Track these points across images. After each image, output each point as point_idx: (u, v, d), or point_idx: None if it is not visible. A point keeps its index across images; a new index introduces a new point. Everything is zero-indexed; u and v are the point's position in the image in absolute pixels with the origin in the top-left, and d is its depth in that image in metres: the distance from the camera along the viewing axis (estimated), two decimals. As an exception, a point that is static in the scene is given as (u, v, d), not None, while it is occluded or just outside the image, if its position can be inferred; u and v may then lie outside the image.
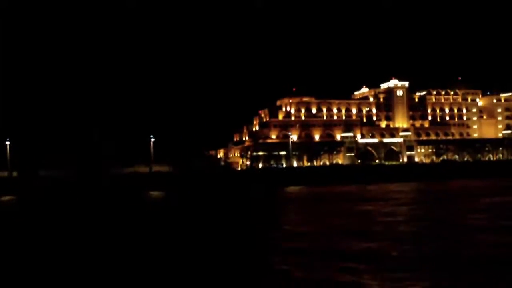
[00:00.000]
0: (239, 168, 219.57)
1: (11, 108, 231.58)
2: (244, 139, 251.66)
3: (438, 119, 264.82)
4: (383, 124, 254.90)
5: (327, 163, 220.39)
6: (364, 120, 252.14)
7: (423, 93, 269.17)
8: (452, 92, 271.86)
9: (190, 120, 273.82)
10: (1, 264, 49.12)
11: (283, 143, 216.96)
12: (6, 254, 55.00)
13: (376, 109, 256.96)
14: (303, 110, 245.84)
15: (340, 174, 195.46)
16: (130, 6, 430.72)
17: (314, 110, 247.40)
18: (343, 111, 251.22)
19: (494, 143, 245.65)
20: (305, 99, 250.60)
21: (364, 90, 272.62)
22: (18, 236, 69.35)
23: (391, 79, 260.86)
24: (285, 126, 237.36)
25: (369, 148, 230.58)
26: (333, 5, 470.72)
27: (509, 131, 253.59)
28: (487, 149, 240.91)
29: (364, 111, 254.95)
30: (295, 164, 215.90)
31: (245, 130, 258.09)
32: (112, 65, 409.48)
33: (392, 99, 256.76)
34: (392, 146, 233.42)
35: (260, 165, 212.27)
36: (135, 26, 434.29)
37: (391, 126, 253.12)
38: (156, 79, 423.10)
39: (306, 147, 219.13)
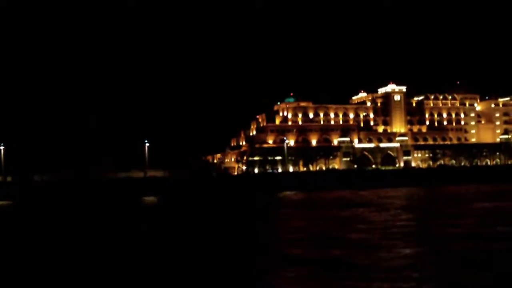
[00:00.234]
0: (235, 173, 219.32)
1: (4, 112, 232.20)
2: (241, 143, 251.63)
3: (436, 124, 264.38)
4: (380, 129, 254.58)
5: (324, 168, 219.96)
6: (362, 125, 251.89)
7: (421, 97, 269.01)
8: (450, 97, 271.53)
9: (187, 125, 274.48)
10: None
11: (279, 148, 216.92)
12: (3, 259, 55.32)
13: (374, 114, 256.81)
14: (300, 115, 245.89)
15: (336, 179, 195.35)
16: (124, 11, 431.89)
17: (311, 115, 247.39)
18: (340, 116, 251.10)
19: (491, 148, 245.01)
20: (302, 104, 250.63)
21: (362, 94, 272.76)
22: (15, 242, 69.64)
23: (389, 83, 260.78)
24: (282, 131, 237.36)
25: (366, 153, 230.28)
26: (331, 10, 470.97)
27: (506, 136, 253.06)
28: (484, 154, 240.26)
29: (361, 116, 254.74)
30: (291, 169, 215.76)
31: (242, 135, 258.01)
32: (108, 69, 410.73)
33: (390, 104, 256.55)
34: (388, 151, 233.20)
35: (256, 170, 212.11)
36: (132, 28, 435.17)
37: (389, 131, 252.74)
38: (153, 84, 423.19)
39: (302, 152, 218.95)
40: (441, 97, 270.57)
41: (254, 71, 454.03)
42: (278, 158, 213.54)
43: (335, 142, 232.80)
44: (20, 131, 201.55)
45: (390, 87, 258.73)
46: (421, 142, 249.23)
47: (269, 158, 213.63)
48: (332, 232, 67.92)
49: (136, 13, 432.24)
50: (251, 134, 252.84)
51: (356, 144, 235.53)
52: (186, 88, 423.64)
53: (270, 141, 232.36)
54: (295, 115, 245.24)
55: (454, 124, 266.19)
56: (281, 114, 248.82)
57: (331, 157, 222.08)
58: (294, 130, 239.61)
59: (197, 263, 49.88)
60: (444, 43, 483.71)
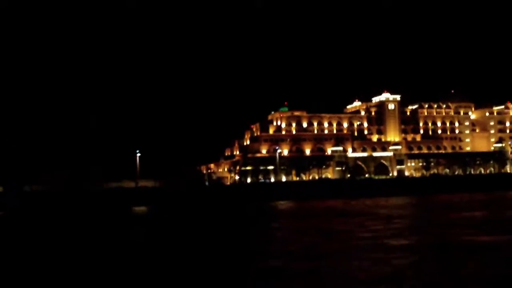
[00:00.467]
0: (228, 183, 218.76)
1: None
2: (235, 153, 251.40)
3: (430, 133, 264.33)
4: (374, 138, 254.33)
5: (317, 177, 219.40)
6: (356, 134, 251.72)
7: (415, 106, 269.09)
8: (444, 106, 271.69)
9: (181, 135, 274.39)
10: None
11: (272, 157, 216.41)
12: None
13: (368, 123, 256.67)
14: (294, 124, 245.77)
15: (328, 189, 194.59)
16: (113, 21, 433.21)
17: (305, 124, 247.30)
18: (334, 125, 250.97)
19: (485, 157, 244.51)
20: (296, 113, 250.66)
21: (357, 103, 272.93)
22: (9, 252, 69.46)
23: (383, 92, 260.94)
24: (276, 140, 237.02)
25: (359, 162, 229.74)
26: (325, 20, 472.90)
27: (500, 144, 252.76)
28: (478, 162, 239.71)
29: (355, 125, 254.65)
30: (284, 178, 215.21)
31: (236, 144, 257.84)
32: (101, 79, 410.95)
33: (384, 113, 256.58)
34: (382, 160, 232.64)
35: (249, 180, 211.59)
36: (127, 34, 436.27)
37: (383, 140, 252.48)
38: (147, 94, 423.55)
39: (295, 162, 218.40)
40: (435, 106, 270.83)
41: (249, 80, 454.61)
42: (271, 167, 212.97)
43: (329, 151, 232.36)
44: (11, 141, 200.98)
45: (384, 96, 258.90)
46: (415, 151, 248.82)
47: (262, 167, 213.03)
48: (313, 244, 67.41)
49: (127, 24, 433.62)
50: (245, 143, 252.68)
51: (350, 153, 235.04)
52: (181, 98, 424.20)
53: (264, 151, 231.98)
54: (289, 125, 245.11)
55: (448, 132, 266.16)
56: (274, 123, 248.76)
57: (324, 166, 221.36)
58: (288, 140, 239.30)
59: (178, 274, 49.54)
60: (439, 52, 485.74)
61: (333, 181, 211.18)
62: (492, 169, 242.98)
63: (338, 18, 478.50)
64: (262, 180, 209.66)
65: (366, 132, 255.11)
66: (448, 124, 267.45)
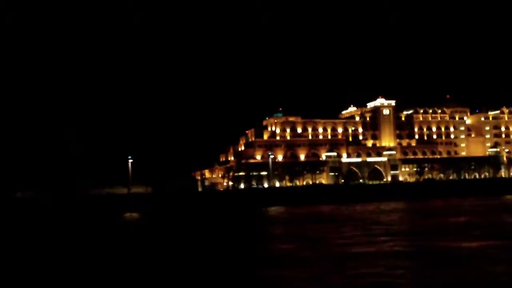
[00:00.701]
0: (221, 189, 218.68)
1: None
2: (229, 159, 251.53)
3: (425, 138, 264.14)
4: (369, 143, 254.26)
5: (310, 182, 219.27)
6: (350, 139, 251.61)
7: (410, 111, 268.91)
8: (439, 111, 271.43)
9: (177, 141, 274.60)
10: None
11: (265, 163, 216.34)
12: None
13: (362, 128, 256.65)
14: (288, 130, 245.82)
15: (321, 194, 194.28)
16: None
17: (299, 130, 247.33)
18: (329, 130, 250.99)
19: (479, 161, 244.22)
20: (291, 118, 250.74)
21: (352, 109, 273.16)
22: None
23: (378, 97, 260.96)
24: (270, 146, 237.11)
25: (353, 168, 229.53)
26: (320, 26, 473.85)
27: (495, 149, 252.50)
28: (472, 167, 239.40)
29: (350, 131, 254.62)
30: (277, 184, 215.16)
31: (231, 150, 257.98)
32: (95, 86, 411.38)
33: (379, 118, 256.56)
34: (376, 165, 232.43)
35: (242, 186, 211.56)
36: (121, 42, 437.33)
37: (378, 145, 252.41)
38: (142, 101, 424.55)
39: (289, 167, 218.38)
40: (431, 111, 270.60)
41: (245, 86, 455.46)
42: (264, 173, 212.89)
43: (324, 157, 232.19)
44: (4, 147, 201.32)
45: (379, 101, 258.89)
46: (411, 156, 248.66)
47: (255, 173, 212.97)
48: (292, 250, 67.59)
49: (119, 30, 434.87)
50: (239, 149, 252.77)
51: (345, 158, 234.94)
52: (177, 105, 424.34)
53: (258, 157, 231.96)
54: (283, 130, 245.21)
55: (443, 137, 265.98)
56: (269, 129, 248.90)
57: (317, 172, 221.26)
58: (282, 145, 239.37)
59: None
60: (434, 57, 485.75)
61: (327, 186, 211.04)
62: (487, 173, 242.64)
63: (333, 24, 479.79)
64: (255, 186, 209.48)
65: (361, 137, 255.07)
66: (443, 129, 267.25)
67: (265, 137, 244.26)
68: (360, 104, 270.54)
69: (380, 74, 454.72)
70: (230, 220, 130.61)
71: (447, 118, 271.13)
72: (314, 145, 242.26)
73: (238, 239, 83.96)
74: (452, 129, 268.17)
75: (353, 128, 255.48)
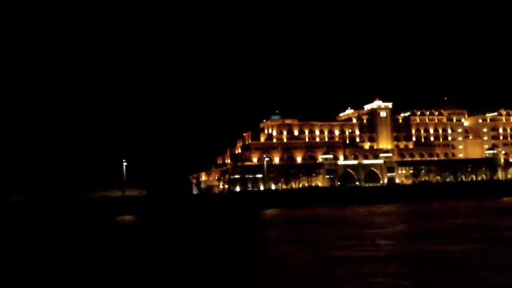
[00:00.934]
0: (217, 191, 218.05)
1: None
2: (226, 161, 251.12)
3: (423, 140, 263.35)
4: (366, 145, 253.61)
5: (306, 185, 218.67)
6: (347, 141, 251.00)
7: (407, 113, 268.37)
8: (436, 113, 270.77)
9: (174, 144, 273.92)
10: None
11: (262, 165, 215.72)
12: None
13: (359, 131, 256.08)
14: (285, 132, 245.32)
15: (317, 197, 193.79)
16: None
17: (296, 132, 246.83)
18: (326, 133, 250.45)
19: (476, 163, 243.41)
20: (287, 121, 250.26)
21: (349, 111, 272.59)
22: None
23: (375, 100, 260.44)
24: (267, 148, 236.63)
25: (349, 170, 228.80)
26: (317, 28, 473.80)
27: (492, 151, 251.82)
28: (469, 169, 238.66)
29: (347, 133, 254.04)
30: (273, 186, 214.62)
31: (228, 153, 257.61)
32: (91, 88, 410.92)
33: (376, 120, 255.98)
34: (372, 168, 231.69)
35: (238, 188, 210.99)
36: (117, 44, 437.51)
37: (375, 147, 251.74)
38: (138, 104, 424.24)
39: (284, 170, 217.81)
40: (428, 113, 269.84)
41: (243, 88, 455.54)
42: (259, 176, 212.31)
43: (320, 159, 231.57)
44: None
45: (376, 104, 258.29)
46: (408, 158, 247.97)
47: (251, 176, 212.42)
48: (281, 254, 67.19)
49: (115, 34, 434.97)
50: (236, 152, 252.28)
51: (341, 161, 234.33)
52: (174, 107, 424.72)
53: (255, 159, 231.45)
54: (280, 133, 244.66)
55: (441, 140, 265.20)
56: (266, 131, 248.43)
57: (313, 174, 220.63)
58: (279, 148, 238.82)
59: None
60: (431, 59, 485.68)
61: (322, 189, 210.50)
62: (484, 176, 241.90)
63: (330, 27, 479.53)
64: (250, 189, 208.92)
65: (358, 139, 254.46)
66: (440, 131, 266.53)
67: (262, 139, 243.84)
68: (357, 106, 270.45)
69: (377, 76, 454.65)
70: (223, 223, 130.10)
71: (444, 120, 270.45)
72: (311, 147, 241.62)
73: (228, 243, 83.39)
74: (449, 131, 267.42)
75: (350, 131, 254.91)
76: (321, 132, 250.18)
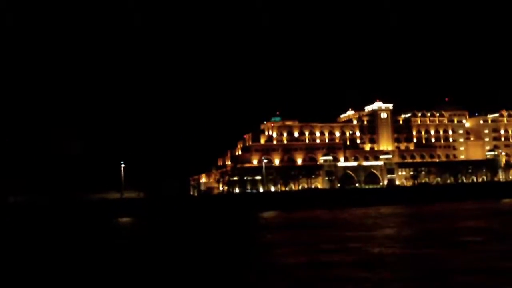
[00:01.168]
0: (217, 193, 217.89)
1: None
2: (227, 163, 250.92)
3: (424, 141, 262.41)
4: (367, 147, 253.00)
5: (306, 187, 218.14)
6: (348, 143, 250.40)
7: (408, 115, 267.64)
8: (437, 114, 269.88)
9: (175, 145, 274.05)
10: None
11: (260, 167, 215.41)
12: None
13: (360, 132, 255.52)
14: (285, 134, 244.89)
15: (316, 199, 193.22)
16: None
17: (296, 134, 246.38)
18: (326, 134, 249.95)
19: (477, 165, 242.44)
20: (288, 122, 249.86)
21: (350, 112, 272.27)
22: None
23: (376, 101, 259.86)
24: (267, 150, 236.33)
25: (349, 172, 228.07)
26: (318, 29, 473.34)
27: (492, 152, 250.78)
28: (470, 171, 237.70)
29: (347, 134, 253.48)
30: (272, 188, 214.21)
31: (228, 155, 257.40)
32: (91, 89, 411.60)
33: (376, 122, 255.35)
34: (372, 170, 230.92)
35: (237, 190, 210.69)
36: (116, 46, 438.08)
37: (376, 148, 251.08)
38: (140, 104, 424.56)
39: (284, 171, 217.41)
40: (429, 114, 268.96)
41: (245, 90, 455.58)
42: (258, 177, 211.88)
43: (321, 160, 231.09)
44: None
45: (376, 105, 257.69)
46: (408, 160, 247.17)
47: (250, 178, 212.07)
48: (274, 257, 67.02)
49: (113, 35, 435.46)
50: (236, 153, 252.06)
51: (342, 162, 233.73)
52: (176, 108, 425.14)
53: (255, 161, 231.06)
54: (280, 134, 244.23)
55: (442, 141, 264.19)
56: (266, 133, 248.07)
57: (313, 176, 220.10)
58: (279, 149, 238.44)
59: None
60: (432, 60, 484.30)
61: (321, 190, 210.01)
62: (484, 177, 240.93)
63: (330, 27, 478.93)
64: (249, 190, 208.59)
65: (358, 141, 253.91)
66: (441, 133, 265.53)
67: (262, 141, 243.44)
68: (358, 107, 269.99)
69: (378, 77, 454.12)
70: (218, 226, 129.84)
71: (445, 121, 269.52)
72: (311, 149, 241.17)
73: (220, 245, 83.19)
74: (450, 132, 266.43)
75: (350, 132, 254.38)
76: (322, 133, 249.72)
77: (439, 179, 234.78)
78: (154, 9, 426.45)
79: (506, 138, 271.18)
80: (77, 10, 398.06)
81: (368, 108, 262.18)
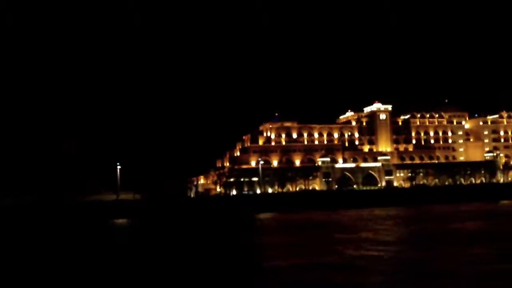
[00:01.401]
0: (214, 194, 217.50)
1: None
2: (225, 165, 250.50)
3: (423, 143, 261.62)
4: (366, 148, 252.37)
5: (303, 188, 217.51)
6: (347, 144, 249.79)
7: (407, 116, 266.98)
8: (437, 115, 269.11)
9: (174, 146, 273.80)
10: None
11: (257, 169, 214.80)
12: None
13: (359, 133, 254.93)
14: (283, 135, 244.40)
15: (313, 200, 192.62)
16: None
17: (295, 135, 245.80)
18: (325, 135, 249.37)
19: (475, 166, 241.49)
20: (286, 124, 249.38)
21: (349, 114, 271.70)
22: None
23: (374, 102, 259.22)
24: (265, 151, 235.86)
25: (347, 173, 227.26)
26: (317, 31, 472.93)
27: (491, 154, 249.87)
28: (468, 172, 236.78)
29: (346, 136, 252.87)
30: (270, 190, 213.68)
31: (227, 156, 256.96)
32: (89, 89, 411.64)
33: (375, 123, 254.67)
34: (370, 171, 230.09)
35: (234, 192, 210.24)
36: (114, 46, 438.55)
37: (374, 150, 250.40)
38: (138, 105, 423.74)
39: (281, 173, 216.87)
40: (428, 116, 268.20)
41: (244, 91, 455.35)
42: (255, 179, 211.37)
43: (319, 162, 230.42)
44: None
45: (375, 106, 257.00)
46: (407, 161, 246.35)
47: (247, 179, 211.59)
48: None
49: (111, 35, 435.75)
50: (235, 155, 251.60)
51: (340, 164, 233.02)
52: (174, 109, 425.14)
53: (253, 162, 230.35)
54: (278, 136, 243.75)
55: (441, 142, 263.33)
56: (264, 134, 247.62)
57: (311, 177, 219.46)
58: (278, 151, 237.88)
59: None
60: (432, 62, 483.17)
61: (318, 192, 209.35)
62: (483, 178, 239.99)
63: (329, 28, 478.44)
64: (246, 192, 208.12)
65: (357, 142, 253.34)
66: (441, 134, 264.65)
67: (261, 142, 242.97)
68: (357, 109, 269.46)
69: (377, 79, 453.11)
70: (213, 228, 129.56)
71: (445, 122, 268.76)
72: (309, 150, 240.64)
73: (212, 248, 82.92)
74: (450, 133, 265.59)
75: (349, 133, 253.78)
76: (320, 135, 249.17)
77: (437, 180, 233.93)
78: (154, 9, 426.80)
79: (506, 140, 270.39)
80: (77, 10, 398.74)
81: (367, 110, 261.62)
